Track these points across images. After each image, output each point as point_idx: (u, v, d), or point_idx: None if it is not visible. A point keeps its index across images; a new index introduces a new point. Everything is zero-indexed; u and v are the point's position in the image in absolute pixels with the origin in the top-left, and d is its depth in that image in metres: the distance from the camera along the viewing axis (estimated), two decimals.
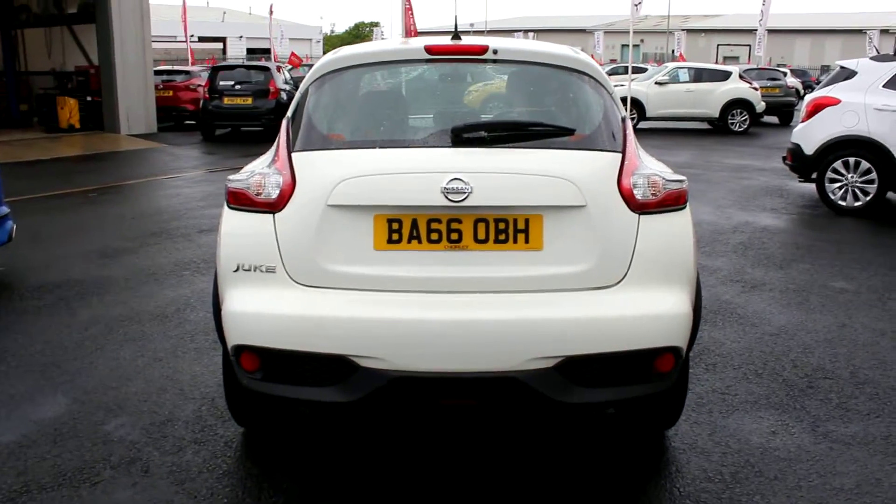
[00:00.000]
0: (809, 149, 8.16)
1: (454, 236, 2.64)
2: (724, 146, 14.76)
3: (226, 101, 15.34)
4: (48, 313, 5.05)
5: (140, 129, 15.97)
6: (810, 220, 8.04)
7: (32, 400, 3.75)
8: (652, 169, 2.81)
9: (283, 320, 2.68)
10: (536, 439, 3.33)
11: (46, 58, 18.31)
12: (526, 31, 49.54)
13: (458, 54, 3.05)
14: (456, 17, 3.82)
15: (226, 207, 2.89)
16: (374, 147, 2.83)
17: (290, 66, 22.21)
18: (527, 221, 2.64)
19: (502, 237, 2.64)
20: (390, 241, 2.66)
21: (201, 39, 57.80)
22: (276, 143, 3.03)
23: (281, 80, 16.57)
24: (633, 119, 17.30)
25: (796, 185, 9.15)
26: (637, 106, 17.31)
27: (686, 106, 17.21)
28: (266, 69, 16.41)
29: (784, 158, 8.75)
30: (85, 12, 16.15)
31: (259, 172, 2.83)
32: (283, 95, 15.63)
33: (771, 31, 31.82)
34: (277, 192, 2.74)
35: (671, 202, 2.76)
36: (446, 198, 2.59)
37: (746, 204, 8.74)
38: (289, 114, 3.11)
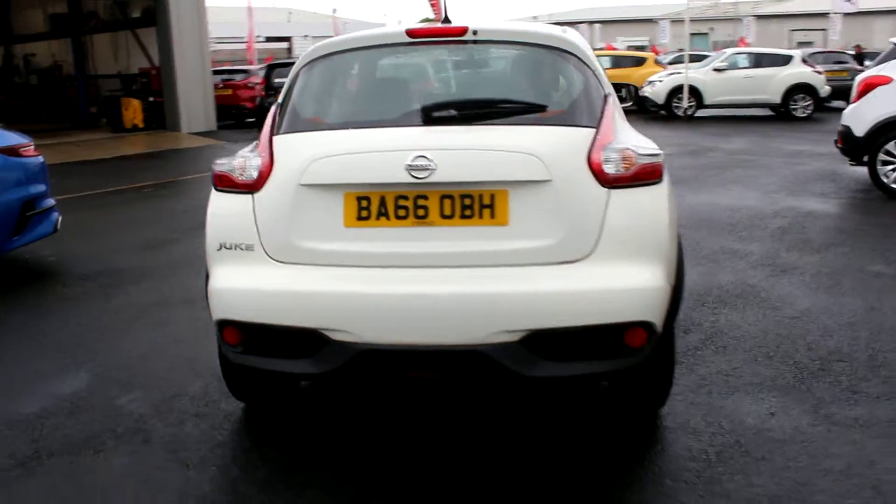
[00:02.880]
0: (860, 130, 7.82)
1: (421, 212, 2.67)
2: (784, 132, 14.27)
3: None
4: (86, 299, 5.31)
5: (200, 127, 16.49)
6: (860, 205, 7.71)
7: (57, 376, 3.96)
8: (626, 143, 2.77)
9: (260, 296, 2.77)
10: (524, 416, 3.32)
11: (113, 61, 19.09)
12: (591, 23, 48.87)
13: (438, 36, 3.09)
14: (445, 2, 3.85)
15: (213, 190, 3.00)
16: (346, 128, 2.90)
17: None
18: (492, 197, 2.65)
19: (468, 213, 2.66)
20: (359, 218, 2.71)
21: (268, 39, 59.27)
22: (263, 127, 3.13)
23: None
24: (691, 107, 16.92)
25: (851, 169, 8.77)
26: (694, 93, 16.86)
27: (746, 92, 16.64)
28: None
29: (836, 142, 8.42)
30: (147, 16, 16.77)
31: (242, 155, 2.94)
32: None
33: (847, 14, 30.51)
34: (256, 173, 2.84)
35: (645, 176, 2.72)
36: (411, 175, 2.63)
37: (795, 189, 8.44)
38: (279, 99, 3.21)
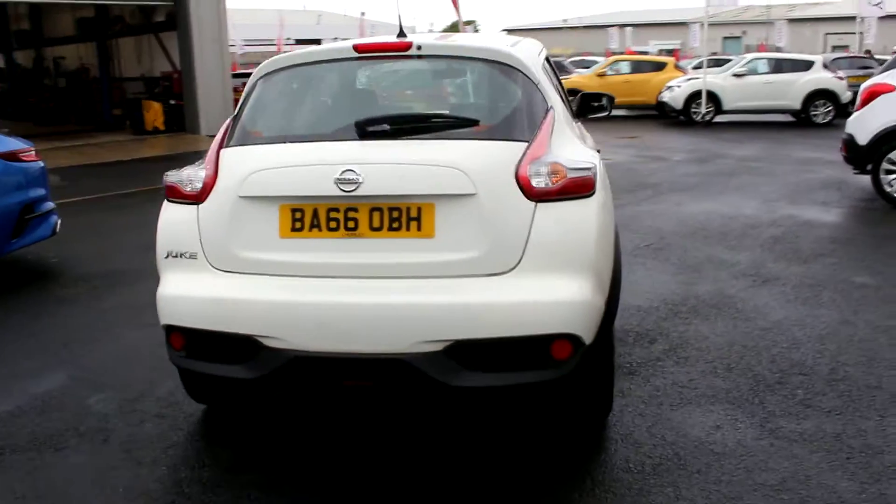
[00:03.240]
0: (863, 139, 7.72)
1: (351, 224, 2.74)
2: (800, 139, 14.09)
3: None
4: (81, 300, 5.46)
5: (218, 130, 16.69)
6: (860, 214, 7.62)
7: (37, 376, 4.09)
8: (557, 157, 2.80)
9: (201, 303, 2.88)
10: (469, 426, 3.36)
11: (137, 64, 19.45)
12: (622, 26, 48.54)
13: (383, 52, 3.16)
14: (399, 15, 3.93)
15: (165, 200, 3.11)
16: (285, 142, 3.00)
17: None
18: (419, 210, 2.71)
19: (396, 225, 2.72)
20: (293, 229, 2.80)
21: (298, 42, 59.86)
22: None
23: None
24: (709, 113, 16.77)
25: (858, 178, 8.64)
26: (714, 99, 16.73)
27: (765, 98, 16.44)
28: None
29: (841, 150, 8.31)
30: (170, 21, 17.07)
31: (190, 167, 3.03)
32: None
33: (882, 17, 29.81)
34: (201, 185, 2.95)
35: (573, 190, 2.76)
36: (339, 188, 2.70)
37: (798, 197, 8.36)
38: (234, 112, 3.30)
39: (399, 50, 3.12)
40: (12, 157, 5.83)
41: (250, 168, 2.87)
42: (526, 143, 2.82)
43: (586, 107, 4.86)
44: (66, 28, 20.99)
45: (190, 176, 2.99)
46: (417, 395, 3.53)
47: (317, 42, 61.85)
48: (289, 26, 60.46)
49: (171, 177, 3.05)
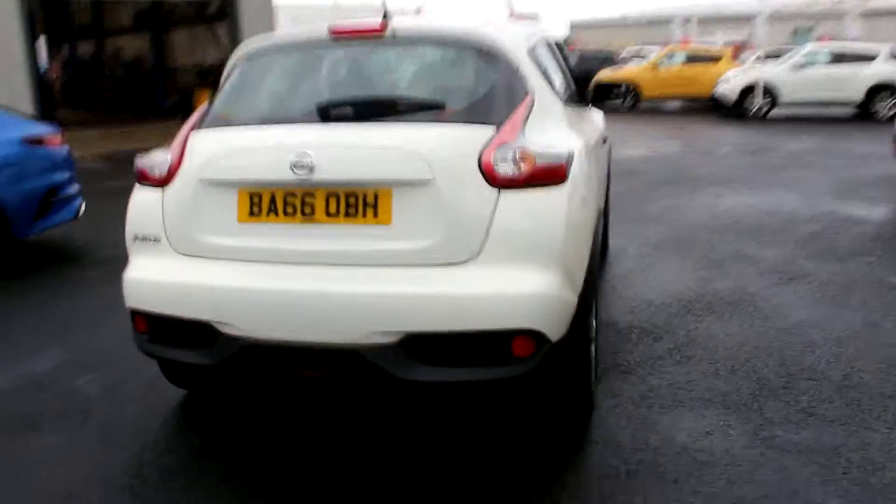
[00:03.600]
0: None
1: (307, 210, 2.64)
2: (860, 133, 13.39)
3: None
4: (95, 283, 5.51)
5: None
6: None
7: (35, 355, 4.12)
8: (529, 143, 2.63)
9: (162, 287, 2.82)
10: (445, 421, 3.22)
11: (190, 55, 19.81)
12: (687, 19, 47.33)
13: (358, 34, 3.04)
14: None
15: (136, 183, 3.06)
16: (248, 125, 2.92)
17: None
18: (376, 196, 2.59)
19: (352, 211, 2.60)
20: (251, 213, 2.71)
21: None
22: None
23: None
24: (765, 106, 16.12)
25: None
26: (769, 92, 16.04)
27: (825, 90, 15.67)
28: None
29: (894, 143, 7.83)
30: (221, 12, 17.29)
31: (160, 151, 2.97)
32: None
33: None
34: (166, 168, 2.89)
35: (542, 178, 2.59)
36: (294, 172, 2.60)
37: (846, 193, 7.90)
38: (210, 96, 3.24)
39: (374, 33, 3.01)
40: (37, 141, 5.92)
41: (211, 152, 2.81)
42: (494, 128, 2.66)
43: (601, 95, 4.68)
44: (124, 20, 21.50)
45: (157, 160, 2.93)
46: (372, 387, 3.41)
47: None
48: (347, 18, 60.89)
49: (142, 160, 2.99)
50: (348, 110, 2.75)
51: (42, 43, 25.62)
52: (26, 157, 5.79)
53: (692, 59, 18.86)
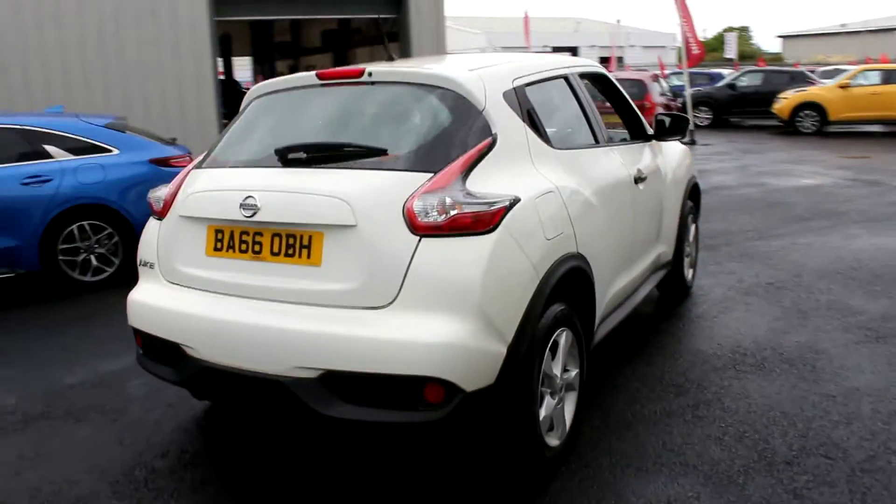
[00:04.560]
0: None
1: (257, 248, 2.84)
2: None
3: None
4: None
5: None
6: None
7: (114, 357, 4.63)
8: (464, 190, 2.63)
9: (150, 309, 3.15)
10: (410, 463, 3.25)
11: None
12: None
13: (340, 78, 3.20)
14: (385, 36, 3.90)
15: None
16: (223, 167, 3.18)
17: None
18: (310, 238, 2.73)
19: (290, 251, 2.77)
20: (216, 248, 2.97)
21: (554, 50, 60.40)
22: None
23: (657, 92, 14.27)
24: (815, 125, 16.59)
25: None
26: (817, 110, 16.76)
27: (873, 110, 15.83)
28: (640, 81, 14.08)
29: None
30: (395, 32, 18.16)
31: (163, 187, 3.30)
32: (660, 111, 13.58)
33: None
34: (162, 203, 3.22)
35: (465, 226, 2.58)
36: (242, 213, 2.81)
37: None
38: None
39: (353, 77, 3.15)
40: (163, 162, 6.60)
41: (190, 190, 3.10)
42: (430, 175, 2.69)
43: (661, 129, 4.50)
44: (314, 40, 23.22)
45: (159, 194, 3.27)
46: (302, 419, 3.48)
47: (573, 50, 62.43)
48: (545, 33, 61.24)
49: (151, 193, 3.33)
50: (302, 155, 2.91)
51: (247, 61, 28.35)
52: (153, 177, 6.46)
53: (889, 77, 17.01)
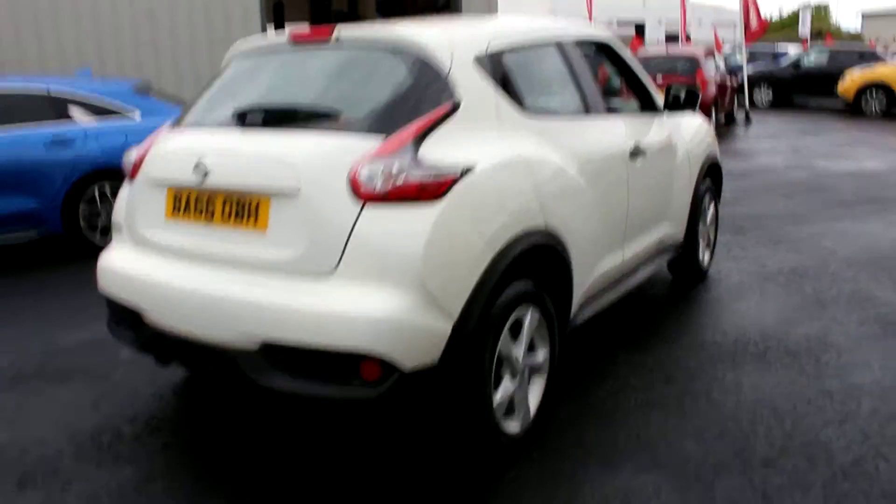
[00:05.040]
0: None
1: (210, 212, 2.77)
2: None
3: None
4: None
5: None
6: None
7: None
8: (406, 157, 2.50)
9: (112, 273, 3.12)
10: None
11: None
12: None
13: (309, 40, 3.10)
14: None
15: None
16: (183, 128, 3.12)
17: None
18: (257, 203, 2.65)
19: (239, 216, 2.69)
20: (174, 211, 2.90)
21: (619, 24, 58.79)
22: None
23: (711, 69, 13.72)
24: (881, 106, 16.02)
25: None
26: (885, 90, 16.09)
27: None
28: (692, 58, 13.50)
29: None
30: (448, 5, 17.94)
31: (134, 149, 3.27)
32: (713, 88, 12.80)
33: None
34: (132, 165, 3.17)
35: (410, 194, 2.45)
36: (194, 176, 2.74)
37: None
38: None
39: (322, 38, 3.04)
40: None
41: (155, 152, 3.04)
42: (381, 139, 2.56)
43: (669, 102, 4.30)
44: (369, 8, 23.11)
45: (130, 157, 3.22)
46: (246, 389, 3.43)
47: (640, 24, 60.87)
48: (612, 6, 59.67)
49: (125, 156, 3.30)
50: (258, 117, 2.82)
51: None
52: None
53: None
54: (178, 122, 3.27)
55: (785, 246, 5.99)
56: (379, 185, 2.45)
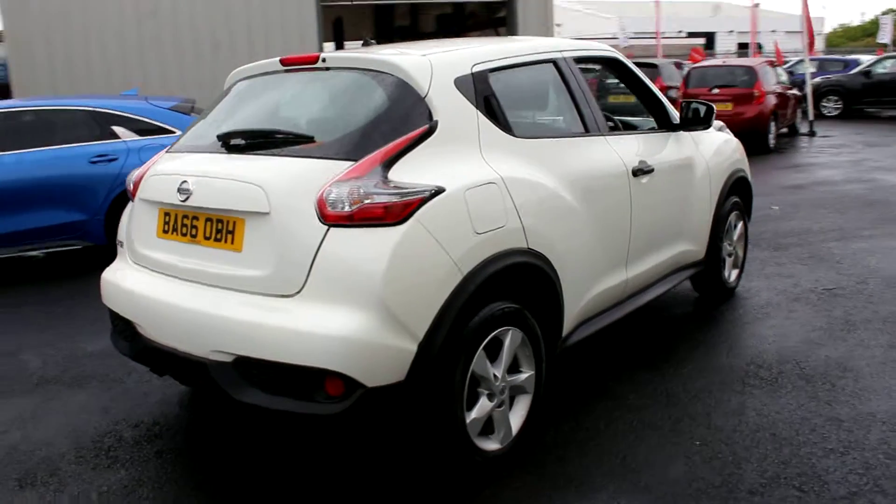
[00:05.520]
0: None
1: (194, 231, 2.88)
2: None
3: None
4: None
5: None
6: None
7: None
8: (372, 180, 2.53)
9: (112, 287, 3.27)
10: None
11: None
12: None
13: (298, 64, 3.18)
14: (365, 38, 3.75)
15: None
16: (181, 152, 3.24)
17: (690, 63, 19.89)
18: (234, 223, 2.74)
19: (219, 236, 2.79)
20: (164, 230, 3.03)
21: (690, 35, 57.65)
22: None
23: (771, 80, 13.42)
24: None
25: None
26: None
27: None
28: (750, 68, 13.17)
29: None
30: (503, 17, 18.01)
31: (136, 170, 3.40)
32: (772, 100, 12.73)
33: None
34: (132, 185, 3.31)
35: (375, 217, 2.49)
36: (178, 197, 2.87)
37: None
38: None
39: (309, 62, 3.12)
40: None
41: (151, 173, 3.18)
42: (350, 163, 2.60)
43: (685, 118, 4.24)
44: (430, 24, 23.37)
45: (132, 177, 3.35)
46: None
47: (709, 35, 59.42)
48: (682, 18, 58.62)
49: (128, 176, 3.44)
50: (240, 142, 2.91)
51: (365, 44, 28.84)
52: None
53: None
54: (172, 147, 3.40)
55: (825, 264, 5.75)
56: (344, 208, 2.50)
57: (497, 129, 2.99)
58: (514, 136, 3.05)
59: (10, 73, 12.42)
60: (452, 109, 2.85)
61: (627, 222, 3.62)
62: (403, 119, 2.75)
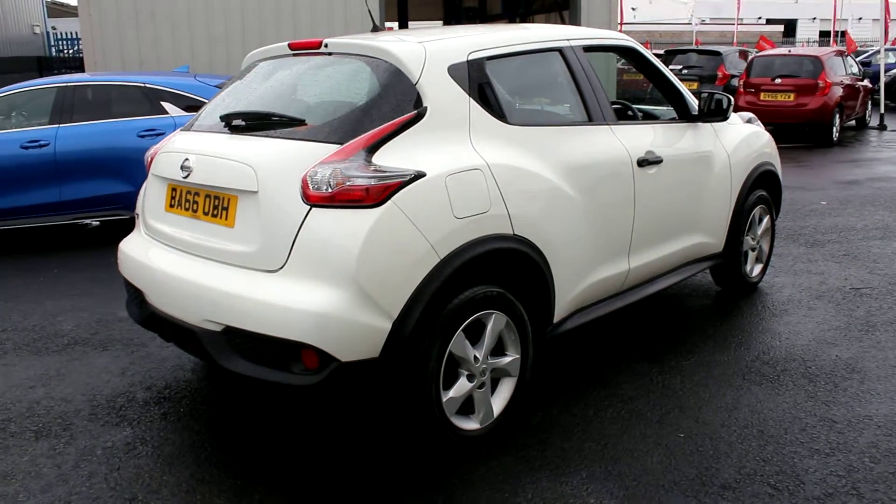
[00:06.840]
0: None
1: (195, 206, 3.04)
2: None
3: (762, 96, 12.58)
4: None
5: None
6: None
7: None
8: (354, 164, 2.63)
9: (126, 257, 3.46)
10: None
11: None
12: None
13: (303, 49, 3.28)
14: (370, 11, 3.81)
15: None
16: (191, 131, 3.38)
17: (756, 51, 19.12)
18: (228, 200, 2.88)
19: (216, 212, 2.93)
20: (170, 205, 3.20)
21: (769, 21, 55.69)
22: None
23: (838, 70, 12.93)
24: None
25: None
26: None
27: None
28: (815, 58, 12.65)
29: None
30: (566, 1, 17.75)
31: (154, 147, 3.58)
32: (837, 91, 12.29)
33: None
34: (149, 160, 3.48)
35: (354, 199, 2.59)
36: (181, 174, 3.03)
37: None
38: None
39: (313, 47, 3.21)
40: None
41: (162, 150, 3.35)
42: (336, 146, 2.70)
43: (702, 108, 4.20)
44: (496, 6, 23.25)
45: (149, 152, 3.52)
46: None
47: (791, 22, 57.17)
48: (761, 3, 56.61)
49: (147, 153, 3.61)
50: (240, 122, 3.03)
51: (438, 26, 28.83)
52: None
53: None
54: (186, 126, 3.55)
55: (858, 262, 5.59)
56: (326, 189, 2.60)
57: (490, 116, 3.03)
58: (508, 123, 3.08)
59: (84, 49, 12.93)
60: (444, 96, 2.90)
61: (630, 213, 3.61)
62: (393, 105, 2.82)
